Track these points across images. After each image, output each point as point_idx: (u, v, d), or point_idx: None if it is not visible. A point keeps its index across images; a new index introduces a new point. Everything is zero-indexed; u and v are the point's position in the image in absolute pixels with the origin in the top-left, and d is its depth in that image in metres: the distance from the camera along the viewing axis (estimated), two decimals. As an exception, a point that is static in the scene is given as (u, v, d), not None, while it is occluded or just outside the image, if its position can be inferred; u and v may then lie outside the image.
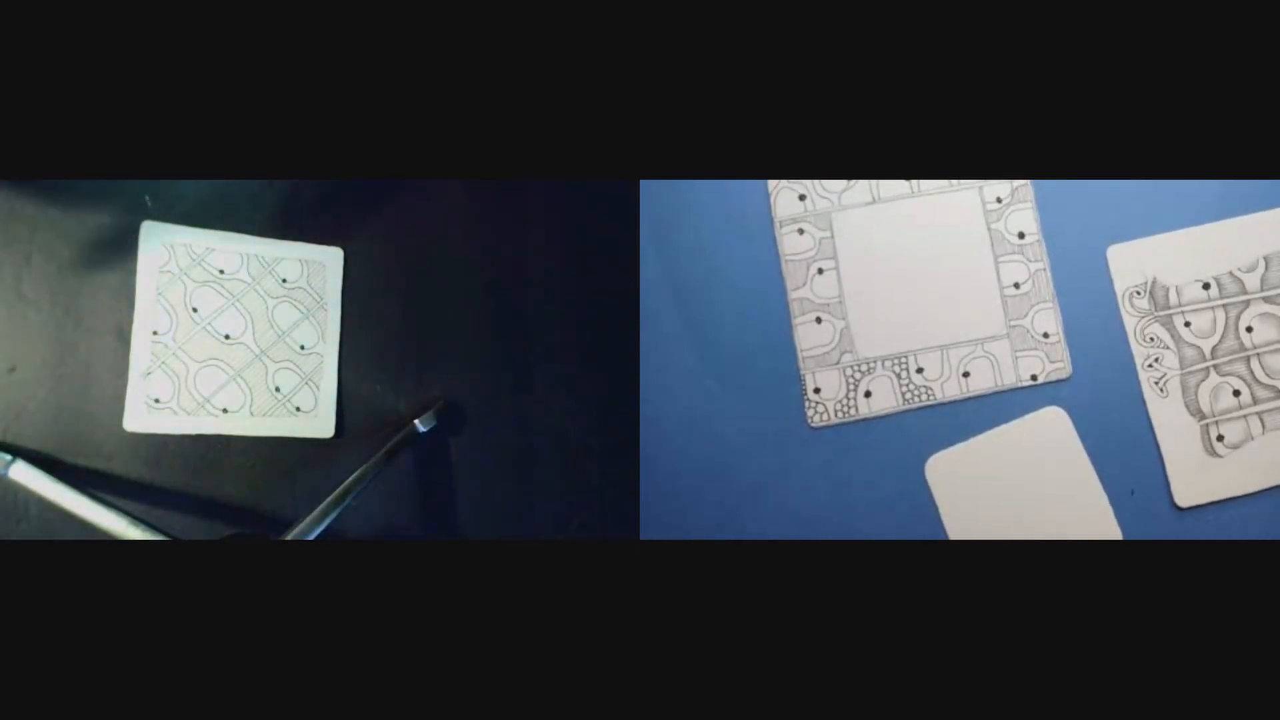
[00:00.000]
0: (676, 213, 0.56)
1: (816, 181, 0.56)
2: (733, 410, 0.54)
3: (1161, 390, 0.53)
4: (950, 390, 0.54)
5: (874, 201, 0.55)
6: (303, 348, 0.55)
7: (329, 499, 0.50)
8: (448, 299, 0.59)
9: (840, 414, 0.54)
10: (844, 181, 0.56)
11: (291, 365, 0.55)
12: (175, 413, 0.51)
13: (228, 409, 0.53)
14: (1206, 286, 0.54)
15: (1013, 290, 0.54)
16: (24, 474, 0.46)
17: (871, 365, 0.54)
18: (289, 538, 0.48)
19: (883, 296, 0.55)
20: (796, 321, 0.55)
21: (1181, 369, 0.53)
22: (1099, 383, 0.54)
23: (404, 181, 0.58)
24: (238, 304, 0.53)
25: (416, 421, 0.56)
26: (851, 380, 0.54)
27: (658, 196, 0.56)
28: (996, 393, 0.54)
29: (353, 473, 0.52)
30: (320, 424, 0.55)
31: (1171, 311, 0.54)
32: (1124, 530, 0.53)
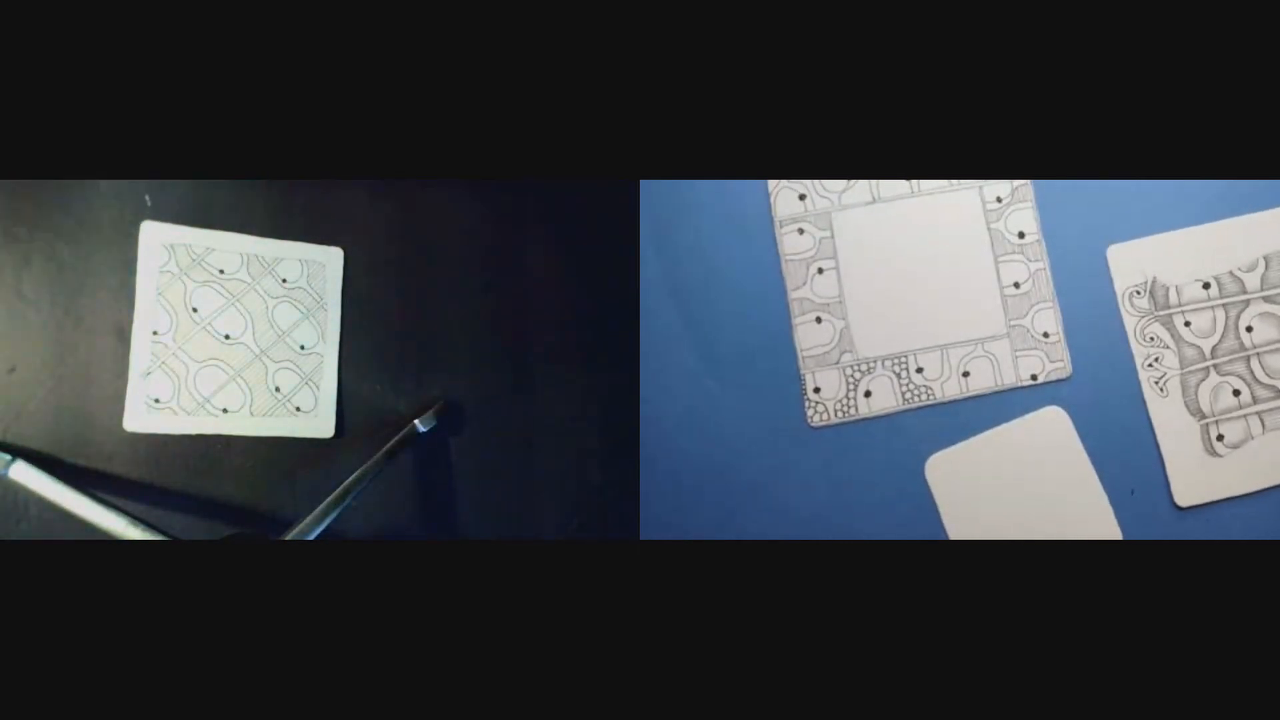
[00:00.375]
0: (676, 213, 0.56)
1: (816, 181, 0.56)
2: (733, 410, 0.54)
3: (1161, 390, 0.53)
4: (950, 390, 0.54)
5: (874, 201, 0.55)
6: (303, 348, 0.55)
7: (329, 499, 0.50)
8: (448, 299, 0.59)
9: (840, 414, 0.54)
10: (844, 181, 0.56)
11: (291, 365, 0.55)
12: (175, 413, 0.51)
13: (228, 409, 0.53)
14: (1206, 286, 0.54)
15: (1013, 290, 0.54)
16: (24, 474, 0.46)
17: (871, 365, 0.54)
18: (289, 538, 0.48)
19: (882, 296, 0.55)
20: (796, 321, 0.55)
21: (1181, 368, 0.53)
22: (1099, 382, 0.54)
23: (404, 181, 0.58)
24: (238, 304, 0.53)
25: (416, 421, 0.56)
26: (851, 380, 0.54)
27: (658, 196, 0.56)
28: (996, 392, 0.54)
29: (353, 473, 0.52)
30: (320, 424, 0.55)
31: (1171, 311, 0.54)
32: (1124, 530, 0.53)
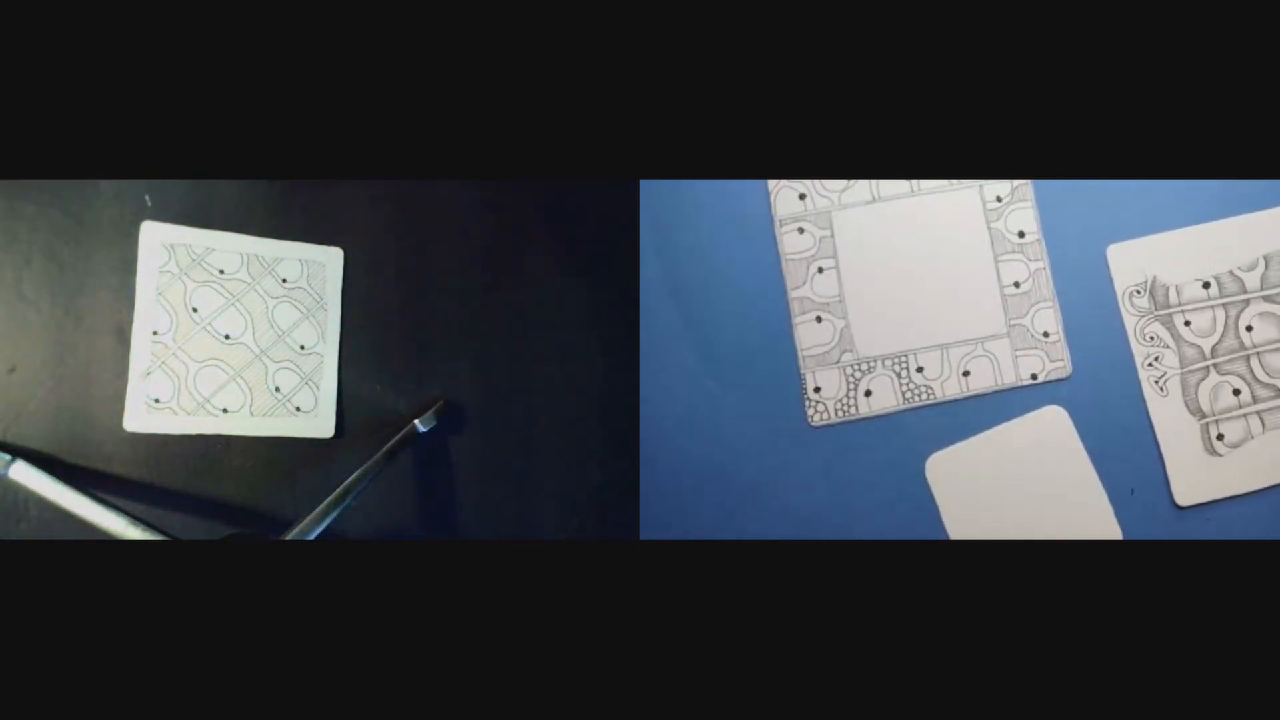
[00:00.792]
0: (676, 213, 0.56)
1: (816, 181, 0.56)
2: (733, 410, 0.54)
3: (1161, 389, 0.53)
4: (950, 389, 0.54)
5: (874, 200, 0.55)
6: (303, 348, 0.55)
7: (329, 499, 0.50)
8: (448, 299, 0.59)
9: (840, 413, 0.54)
10: (844, 181, 0.56)
11: (291, 365, 0.55)
12: (175, 413, 0.51)
13: (228, 409, 0.53)
14: (1206, 285, 0.54)
15: (1013, 289, 0.54)
16: (24, 474, 0.46)
17: (871, 364, 0.54)
18: (289, 538, 0.48)
19: (883, 295, 0.55)
20: (796, 321, 0.55)
21: (1181, 368, 0.53)
22: (1099, 382, 0.54)
23: (404, 181, 0.58)
24: (238, 304, 0.53)
25: (416, 421, 0.56)
26: (851, 379, 0.54)
27: (658, 196, 0.56)
28: (996, 392, 0.54)
29: (353, 473, 0.52)
30: (320, 424, 0.55)
31: (1171, 310, 0.54)
32: (1124, 529, 0.53)
